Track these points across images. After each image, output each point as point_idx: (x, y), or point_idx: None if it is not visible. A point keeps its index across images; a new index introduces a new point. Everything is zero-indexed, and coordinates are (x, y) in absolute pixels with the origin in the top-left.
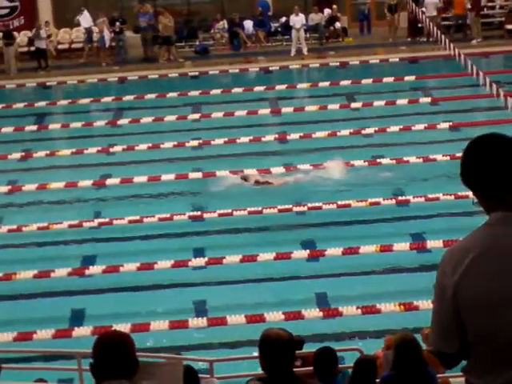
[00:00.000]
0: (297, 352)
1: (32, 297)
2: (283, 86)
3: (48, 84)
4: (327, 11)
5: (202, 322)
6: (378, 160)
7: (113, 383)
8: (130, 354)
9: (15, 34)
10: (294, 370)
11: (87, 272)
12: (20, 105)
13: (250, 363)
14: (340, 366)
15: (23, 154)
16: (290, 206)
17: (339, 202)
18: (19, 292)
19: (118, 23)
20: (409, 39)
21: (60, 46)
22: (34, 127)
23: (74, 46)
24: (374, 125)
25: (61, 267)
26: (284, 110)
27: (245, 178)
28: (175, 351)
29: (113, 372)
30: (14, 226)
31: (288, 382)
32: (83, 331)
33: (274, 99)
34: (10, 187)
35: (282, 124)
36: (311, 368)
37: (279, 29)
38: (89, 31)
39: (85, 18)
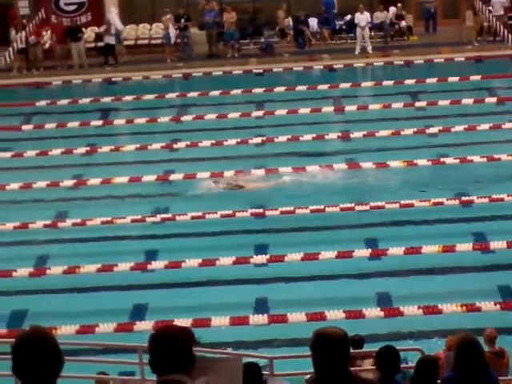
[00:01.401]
0: (357, 351)
1: (95, 290)
2: (347, 85)
3: (113, 80)
4: (392, 9)
5: (262, 318)
6: (442, 159)
7: (171, 377)
8: (186, 349)
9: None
10: (354, 369)
11: (149, 267)
12: (86, 100)
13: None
14: (402, 366)
15: (88, 148)
16: (353, 204)
17: (402, 202)
18: (82, 285)
19: (182, 20)
20: (479, 38)
21: (126, 43)
22: (99, 122)
23: (139, 42)
24: (439, 124)
25: (123, 262)
26: (347, 108)
27: (215, 182)
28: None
29: (171, 366)
30: (79, 220)
31: (343, 381)
32: (144, 325)
33: (337, 97)
34: (74, 181)
35: (345, 122)
36: (372, 367)
37: (344, 27)
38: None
39: (114, 17)
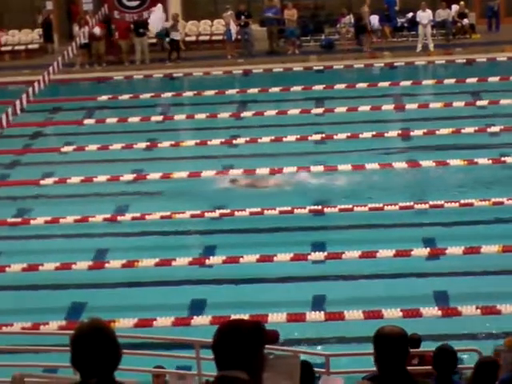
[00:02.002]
0: (414, 350)
1: (153, 284)
2: (408, 82)
3: (174, 75)
4: (455, 7)
5: (319, 315)
6: (503, 159)
7: (230, 373)
8: (248, 345)
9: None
10: (411, 368)
11: (208, 262)
12: (147, 95)
13: (366, 359)
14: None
15: (148, 143)
16: (412, 203)
17: (462, 201)
18: (141, 279)
19: (243, 16)
20: None
21: (187, 38)
22: (160, 117)
23: (200, 38)
24: (500, 123)
25: (181, 256)
26: (408, 106)
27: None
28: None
29: (231, 362)
30: (138, 214)
31: (401, 380)
32: (202, 320)
33: (398, 95)
34: (134, 175)
35: (405, 120)
36: (428, 367)
37: (406, 24)
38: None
39: (155, 15)
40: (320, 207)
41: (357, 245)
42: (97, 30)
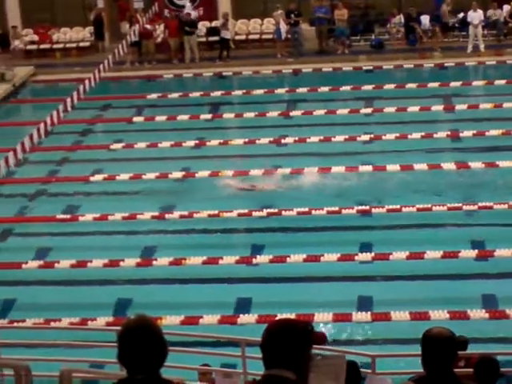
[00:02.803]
0: (461, 353)
1: (200, 282)
2: (458, 83)
3: (224, 74)
4: (506, 7)
5: (365, 316)
6: None
7: (277, 372)
8: (296, 345)
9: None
10: (457, 370)
11: (254, 261)
12: (196, 94)
13: (413, 360)
14: (505, 369)
15: (197, 141)
16: (460, 204)
17: (511, 202)
18: (187, 277)
19: (293, 15)
20: None
21: (237, 37)
22: (209, 116)
23: (250, 37)
24: None
25: (229, 255)
26: (458, 107)
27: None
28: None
29: (278, 361)
30: (186, 212)
31: (447, 382)
32: (248, 319)
33: (447, 96)
34: (183, 173)
35: (455, 121)
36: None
37: (456, 24)
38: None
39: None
40: (368, 207)
41: (404, 246)
42: (148, 27)
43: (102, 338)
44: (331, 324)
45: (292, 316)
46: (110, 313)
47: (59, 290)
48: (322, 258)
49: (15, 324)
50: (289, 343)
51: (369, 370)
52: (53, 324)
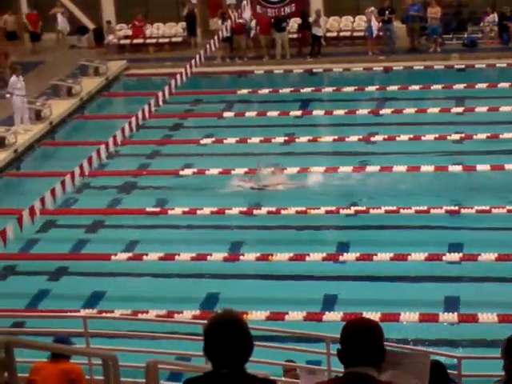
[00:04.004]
0: None
1: (286, 278)
2: None
3: (314, 71)
4: None
5: (452, 317)
6: None
7: (360, 369)
8: (378, 343)
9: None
10: None
11: (341, 258)
12: (286, 90)
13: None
14: None
15: (286, 138)
16: None
17: None
18: (274, 273)
19: (387, 12)
20: None
21: (328, 34)
22: (299, 112)
23: (342, 34)
24: None
25: (316, 252)
26: None
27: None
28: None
29: (360, 359)
30: (273, 209)
31: None
32: (333, 316)
33: None
34: (272, 169)
35: None
36: None
37: None
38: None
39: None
40: (457, 208)
41: (493, 247)
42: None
43: (188, 331)
44: (417, 324)
45: (377, 315)
46: (197, 306)
47: (147, 282)
48: (409, 257)
49: (103, 314)
50: (372, 341)
51: (454, 372)
52: (140, 315)
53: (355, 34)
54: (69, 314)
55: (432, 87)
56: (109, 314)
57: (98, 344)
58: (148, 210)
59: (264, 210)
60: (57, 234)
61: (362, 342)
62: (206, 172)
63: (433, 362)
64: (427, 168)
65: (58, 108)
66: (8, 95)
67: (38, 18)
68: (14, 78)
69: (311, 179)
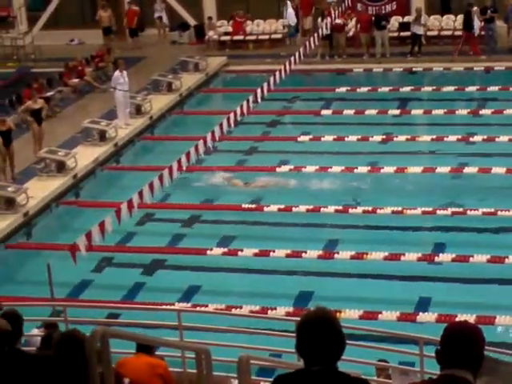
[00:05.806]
0: None
1: (380, 278)
2: None
3: (414, 70)
4: None
5: None
6: None
7: (457, 372)
8: (479, 348)
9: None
10: None
11: (437, 259)
12: (385, 89)
13: None
14: None
15: (384, 136)
16: None
17: None
18: (369, 272)
19: (489, 11)
20: None
21: (429, 33)
22: (397, 111)
23: (442, 33)
24: None
25: (411, 252)
26: None
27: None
28: None
29: (459, 361)
30: (369, 208)
31: None
32: (427, 317)
33: None
34: (369, 168)
35: None
36: None
37: None
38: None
39: (289, 13)
40: None
41: None
42: (339, 21)
43: (281, 328)
44: None
45: (472, 317)
46: (291, 303)
47: (241, 278)
48: (506, 259)
49: (198, 308)
50: (473, 345)
51: None
52: (234, 311)
53: (456, 33)
54: (163, 307)
55: None
56: (203, 309)
57: (192, 338)
58: (244, 206)
59: (360, 209)
60: (154, 228)
61: (462, 344)
62: (303, 169)
63: None
64: None
65: (158, 103)
66: (111, 89)
67: (135, 14)
68: (116, 73)
69: (407, 179)
